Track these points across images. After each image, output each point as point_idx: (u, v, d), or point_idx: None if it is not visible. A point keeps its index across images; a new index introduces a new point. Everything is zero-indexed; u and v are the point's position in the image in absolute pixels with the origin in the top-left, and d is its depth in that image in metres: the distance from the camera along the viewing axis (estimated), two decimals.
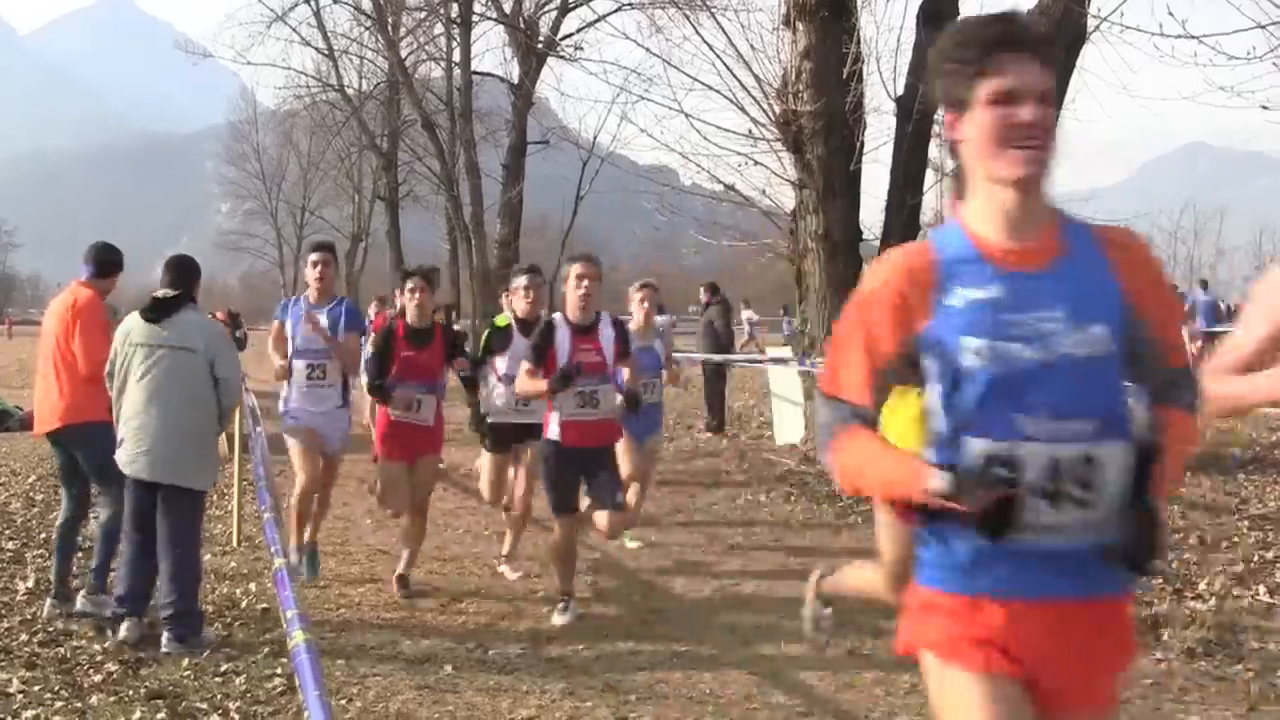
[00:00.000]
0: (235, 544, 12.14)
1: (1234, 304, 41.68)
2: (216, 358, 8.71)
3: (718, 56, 17.78)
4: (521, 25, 39.06)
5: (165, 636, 8.45)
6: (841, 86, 16.67)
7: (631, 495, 10.88)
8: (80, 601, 9.12)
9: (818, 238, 16.77)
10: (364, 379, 11.53)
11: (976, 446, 3.16)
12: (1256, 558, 10.88)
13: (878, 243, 17.92)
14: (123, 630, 8.57)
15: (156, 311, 8.71)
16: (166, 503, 8.62)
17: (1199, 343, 34.87)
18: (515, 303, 10.76)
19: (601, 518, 9.05)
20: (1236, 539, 11.71)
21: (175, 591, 8.47)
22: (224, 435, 16.06)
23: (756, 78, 17.37)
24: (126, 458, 8.65)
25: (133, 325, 8.77)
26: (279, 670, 7.65)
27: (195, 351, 8.64)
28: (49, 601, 9.41)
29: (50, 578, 9.79)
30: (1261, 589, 9.77)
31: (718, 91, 17.98)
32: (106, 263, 9.59)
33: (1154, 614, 9.15)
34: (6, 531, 12.73)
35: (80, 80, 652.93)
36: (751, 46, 17.57)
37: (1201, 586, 9.92)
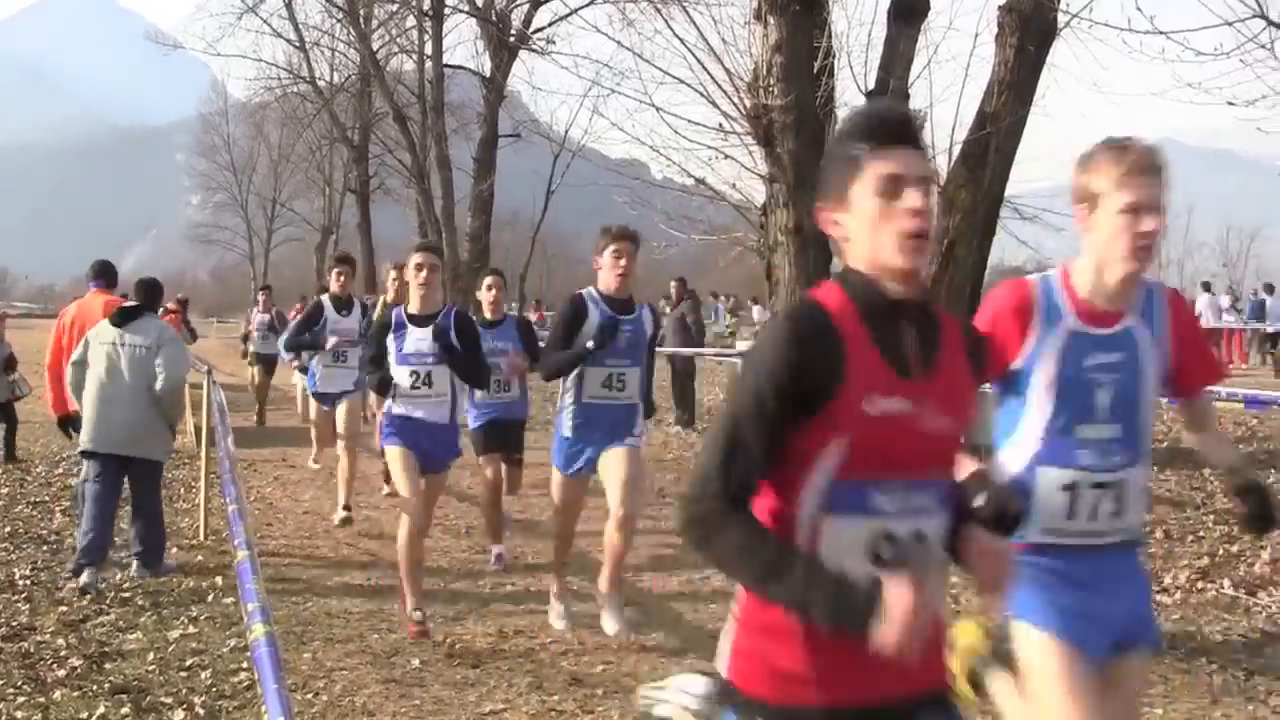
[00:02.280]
0: (202, 538, 12.10)
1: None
2: (162, 348, 10.49)
3: (689, 50, 17.74)
4: (493, 18, 39.04)
5: (135, 565, 10.47)
6: (812, 81, 16.66)
7: None
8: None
9: (788, 232, 16.76)
10: None
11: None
12: (1221, 551, 10.93)
13: None
14: (84, 576, 9.98)
15: (122, 317, 10.57)
16: (135, 472, 10.54)
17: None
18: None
19: None
20: (1202, 533, 11.76)
21: (143, 528, 10.51)
22: (193, 429, 16.12)
23: (727, 71, 17.34)
24: (95, 435, 10.41)
25: (100, 328, 10.61)
26: (244, 664, 7.62)
27: (149, 348, 10.46)
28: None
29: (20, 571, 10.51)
30: (1226, 583, 9.82)
31: (688, 85, 17.94)
32: (115, 274, 12.20)
33: None
34: None
35: (50, 72, 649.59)
36: (723, 40, 17.54)
37: (1167, 580, 9.97)
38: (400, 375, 8.91)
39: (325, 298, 13.94)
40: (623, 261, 8.38)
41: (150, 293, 10.97)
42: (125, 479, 10.65)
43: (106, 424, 10.32)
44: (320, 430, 15.05)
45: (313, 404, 14.78)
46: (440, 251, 9.35)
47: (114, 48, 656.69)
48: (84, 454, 10.61)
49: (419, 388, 8.91)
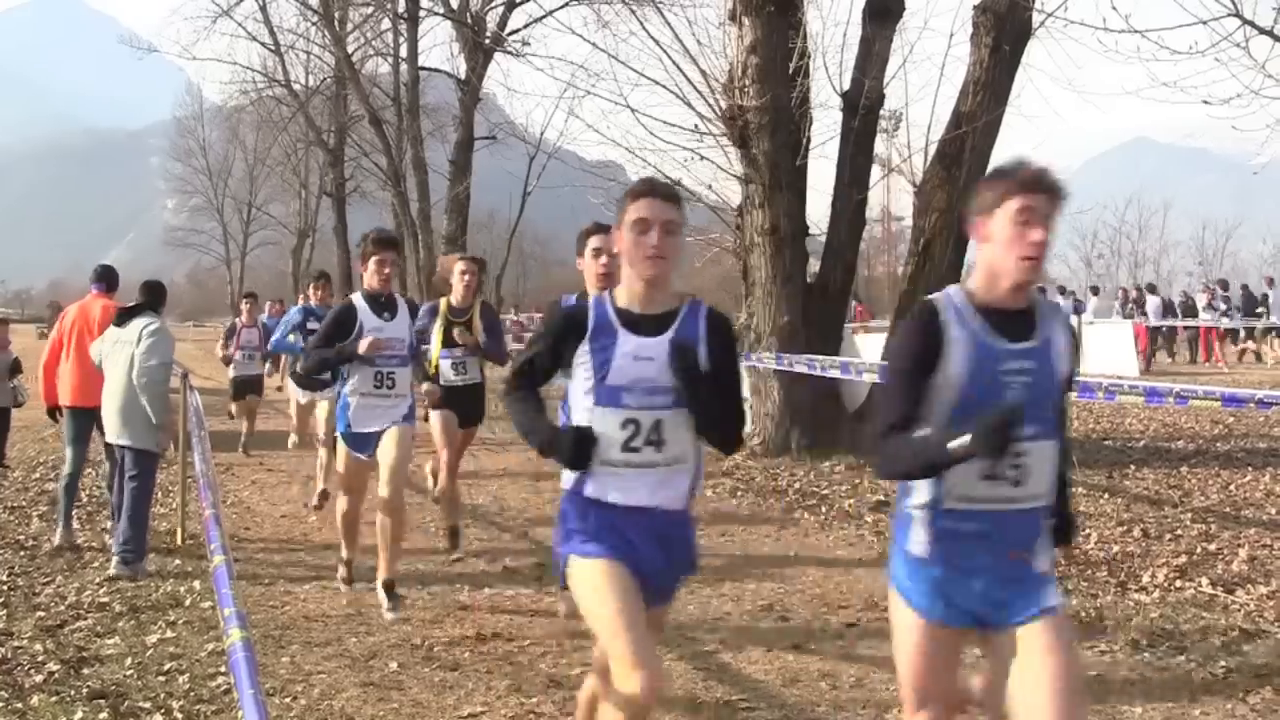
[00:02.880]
0: (180, 542, 12.05)
1: (1177, 299, 42.20)
2: (142, 340, 10.91)
3: (664, 51, 17.80)
4: (468, 20, 39.01)
5: (114, 561, 10.75)
6: (788, 81, 16.70)
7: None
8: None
9: (764, 232, 16.80)
10: None
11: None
12: (1199, 550, 10.96)
13: (824, 237, 17.96)
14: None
15: (122, 317, 11.24)
16: (126, 460, 11.09)
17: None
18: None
19: None
20: (1180, 532, 11.80)
21: (128, 529, 10.82)
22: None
23: (703, 72, 17.38)
24: (105, 427, 11.30)
25: (109, 329, 11.28)
26: (222, 669, 7.59)
27: (134, 342, 10.93)
28: (60, 531, 11.96)
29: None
30: (1204, 581, 9.84)
31: (664, 86, 17.99)
32: (115, 277, 12.81)
33: (1098, 606, 9.22)
34: None
35: (24, 76, 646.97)
36: (698, 41, 17.60)
37: (1145, 579, 9.99)
38: (605, 422, 4.85)
39: (357, 295, 9.57)
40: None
41: (151, 292, 11.58)
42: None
43: (105, 414, 11.16)
44: (349, 483, 9.91)
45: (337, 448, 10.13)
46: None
47: (88, 51, 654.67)
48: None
49: (638, 447, 4.87)
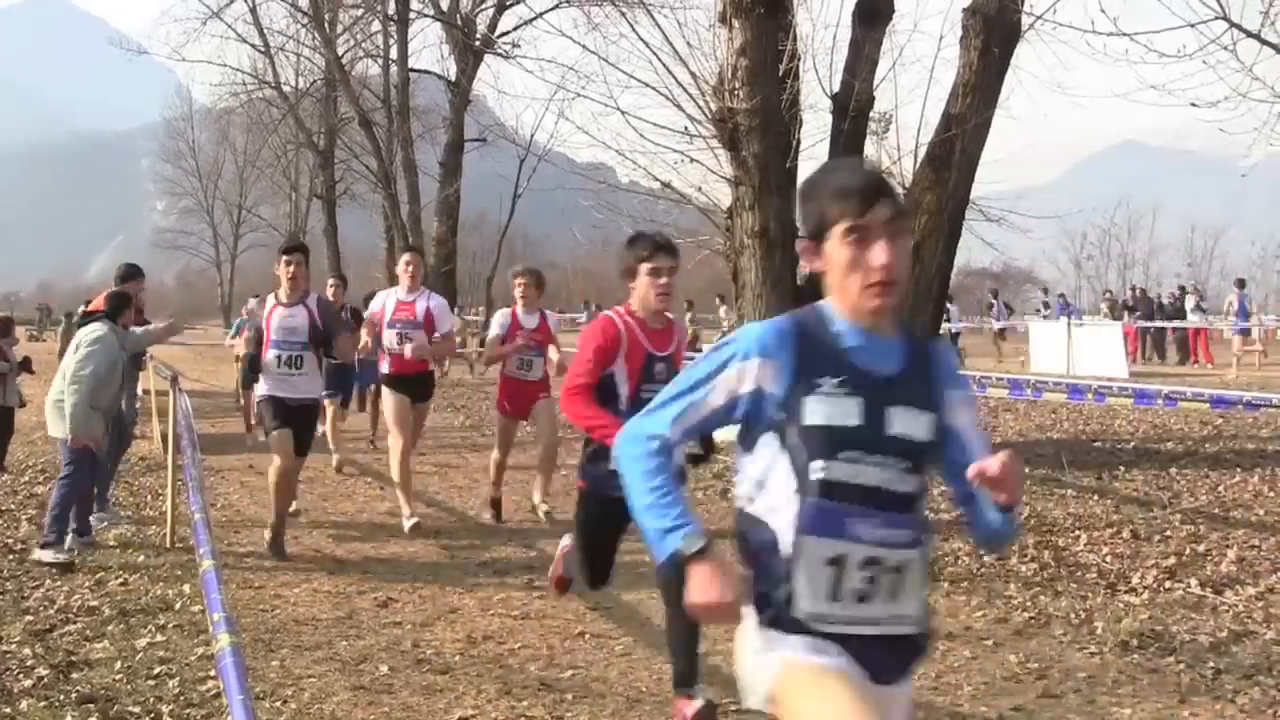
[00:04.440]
0: (170, 545, 12.03)
1: (1166, 300, 42.31)
2: (81, 349, 11.59)
3: (654, 54, 17.75)
4: (459, 23, 39.03)
5: (36, 551, 11.26)
6: (778, 84, 16.68)
7: None
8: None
9: (754, 234, 16.77)
10: None
11: None
12: (1188, 551, 10.99)
13: None
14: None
15: (84, 320, 12.31)
16: (61, 453, 11.79)
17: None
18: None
19: None
20: (1169, 533, 11.82)
21: (49, 516, 11.30)
22: (159, 436, 16.02)
23: (693, 75, 17.35)
24: (48, 420, 11.90)
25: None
26: (212, 673, 7.57)
27: (78, 345, 11.70)
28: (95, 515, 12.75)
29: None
30: (1193, 582, 9.87)
31: (654, 89, 17.94)
32: (136, 274, 13.90)
33: (1087, 607, 9.24)
34: None
35: (12, 77, 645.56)
36: (688, 43, 17.55)
37: (1134, 580, 10.01)
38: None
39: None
40: None
41: (111, 301, 12.41)
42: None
43: (47, 408, 11.78)
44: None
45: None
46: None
47: (77, 52, 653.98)
48: None
49: None
